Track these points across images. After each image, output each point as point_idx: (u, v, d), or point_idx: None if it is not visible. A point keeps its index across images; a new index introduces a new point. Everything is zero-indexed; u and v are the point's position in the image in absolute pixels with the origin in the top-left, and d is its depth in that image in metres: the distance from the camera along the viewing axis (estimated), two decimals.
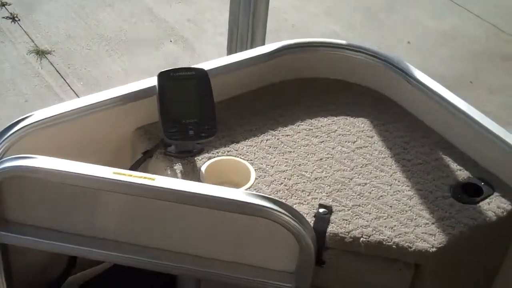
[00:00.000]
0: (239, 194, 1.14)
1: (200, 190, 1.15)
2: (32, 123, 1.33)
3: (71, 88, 2.94)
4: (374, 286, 1.31)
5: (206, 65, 1.51)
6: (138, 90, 1.43)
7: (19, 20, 3.36)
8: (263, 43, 2.21)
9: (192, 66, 1.40)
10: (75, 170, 1.19)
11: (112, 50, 3.22)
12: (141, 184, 1.18)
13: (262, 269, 1.21)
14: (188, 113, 1.36)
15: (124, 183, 1.18)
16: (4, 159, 1.24)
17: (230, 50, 2.21)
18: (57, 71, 3.03)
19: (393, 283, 1.30)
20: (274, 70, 1.62)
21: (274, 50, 1.60)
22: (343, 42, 1.64)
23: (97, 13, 3.49)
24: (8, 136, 1.31)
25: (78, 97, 2.85)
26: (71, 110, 1.37)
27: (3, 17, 3.38)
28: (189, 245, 1.20)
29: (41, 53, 3.13)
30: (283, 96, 1.61)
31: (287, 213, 1.12)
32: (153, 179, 1.19)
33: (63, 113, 1.36)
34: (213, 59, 1.55)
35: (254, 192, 1.16)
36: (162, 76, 1.36)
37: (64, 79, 2.99)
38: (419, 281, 1.28)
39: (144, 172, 1.41)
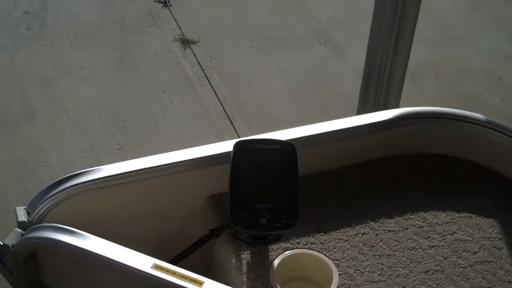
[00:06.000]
0: None
1: None
2: (87, 181, 1.15)
3: (209, 83, 2.80)
4: None
5: (305, 130, 1.26)
6: (214, 154, 1.20)
7: (170, 5, 3.26)
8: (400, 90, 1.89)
9: (279, 139, 1.15)
10: (112, 256, 1.01)
11: (257, 46, 3.03)
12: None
13: None
14: (263, 197, 1.11)
15: (163, 282, 0.97)
16: (43, 225, 1.09)
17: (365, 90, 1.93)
18: (199, 63, 2.91)
19: None
20: (388, 141, 1.32)
21: (391, 118, 1.30)
22: (482, 117, 1.30)
23: (249, 4, 3.29)
24: (56, 193, 1.13)
25: (215, 93, 2.75)
26: (133, 171, 1.17)
27: (155, 1, 3.29)
28: None
29: (185, 42, 3.02)
30: (393, 176, 1.31)
31: None
32: (201, 283, 0.97)
33: (123, 173, 1.16)
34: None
35: None
36: (239, 146, 1.12)
37: (204, 73, 2.86)
38: None
39: (209, 252, 1.21)
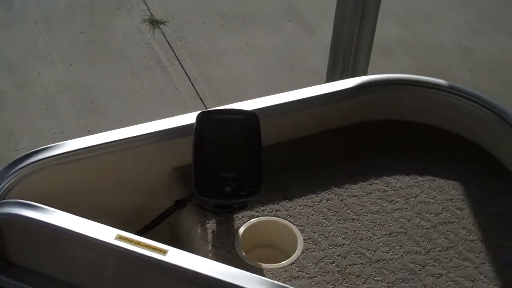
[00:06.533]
0: (265, 284, 0.91)
1: (220, 274, 0.93)
2: (50, 156, 1.15)
3: (179, 63, 2.80)
4: None
5: (270, 100, 1.27)
6: (179, 126, 1.20)
7: None
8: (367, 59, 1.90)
9: (241, 109, 1.15)
10: (76, 229, 1.01)
11: (227, 25, 3.03)
12: (148, 257, 0.97)
13: None
14: (227, 166, 1.11)
15: (127, 252, 0.97)
16: (7, 201, 1.08)
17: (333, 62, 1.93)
18: (168, 43, 2.90)
19: None
20: (353, 109, 1.33)
21: (356, 86, 1.31)
22: (445, 83, 1.32)
23: None
24: (19, 169, 1.13)
25: (185, 73, 2.74)
26: (97, 145, 1.17)
27: None
28: None
29: (154, 23, 3.01)
30: (358, 143, 1.32)
31: None
32: (165, 252, 0.97)
33: (87, 147, 1.16)
34: None
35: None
36: (202, 117, 1.12)
37: (174, 52, 2.85)
38: None
39: (175, 222, 1.22)
